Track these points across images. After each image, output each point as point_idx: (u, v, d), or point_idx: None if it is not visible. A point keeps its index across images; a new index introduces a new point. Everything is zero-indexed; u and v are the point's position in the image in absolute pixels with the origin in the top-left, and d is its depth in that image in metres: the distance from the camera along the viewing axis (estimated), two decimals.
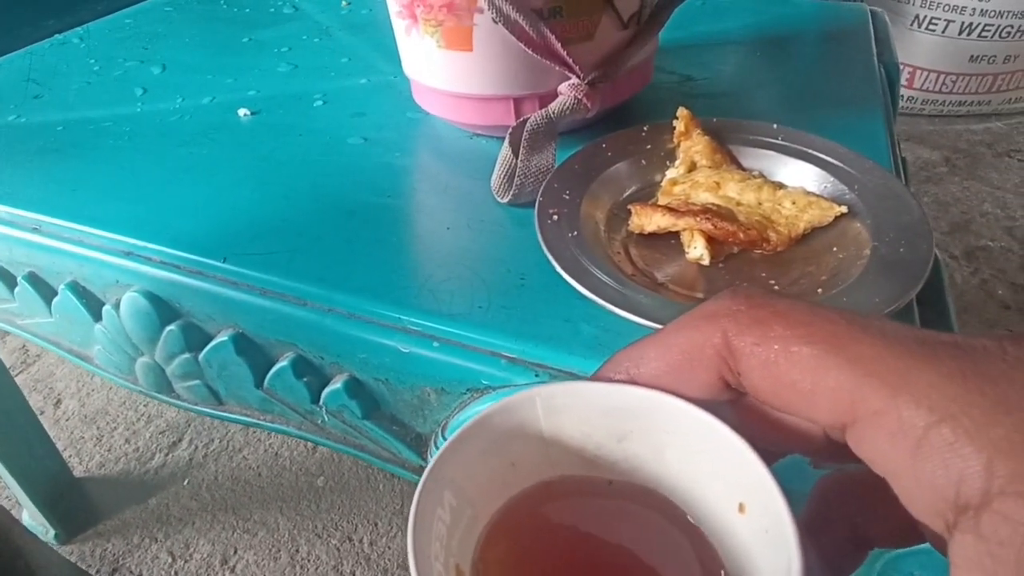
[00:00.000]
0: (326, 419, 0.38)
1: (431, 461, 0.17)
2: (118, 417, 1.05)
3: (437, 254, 0.39)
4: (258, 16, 0.77)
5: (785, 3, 0.73)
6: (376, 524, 0.92)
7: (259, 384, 0.39)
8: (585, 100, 0.42)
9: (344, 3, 0.79)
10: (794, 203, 0.36)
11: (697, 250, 0.34)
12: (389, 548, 0.89)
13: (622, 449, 0.18)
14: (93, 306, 0.43)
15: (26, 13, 1.34)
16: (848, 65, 0.57)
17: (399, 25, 0.47)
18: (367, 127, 0.53)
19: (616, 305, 0.30)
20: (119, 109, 0.57)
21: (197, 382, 0.41)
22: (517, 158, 0.41)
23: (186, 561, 0.88)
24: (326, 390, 0.37)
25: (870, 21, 0.65)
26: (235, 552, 0.89)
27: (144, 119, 0.55)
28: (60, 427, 1.02)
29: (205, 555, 0.88)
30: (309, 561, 0.88)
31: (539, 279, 0.36)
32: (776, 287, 0.33)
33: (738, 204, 0.36)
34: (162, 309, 0.40)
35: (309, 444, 1.02)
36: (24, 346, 1.17)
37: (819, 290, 0.31)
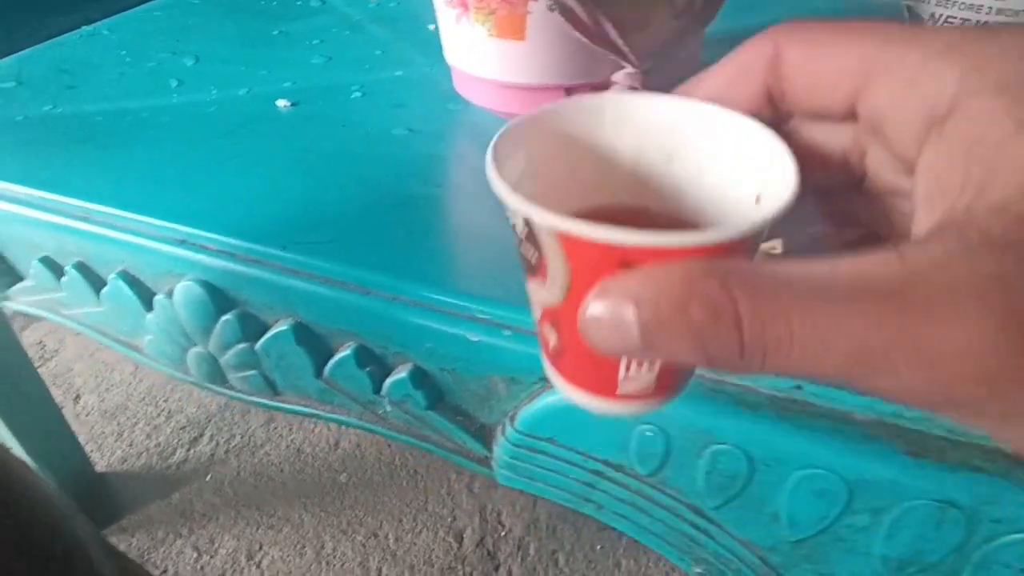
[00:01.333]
0: (388, 409, 0.38)
1: (509, 124, 0.20)
2: (138, 412, 1.04)
3: (496, 244, 0.38)
4: (285, 9, 0.77)
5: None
6: (400, 520, 0.92)
7: (318, 374, 0.39)
8: (640, 89, 0.41)
9: None
10: None
11: (769, 241, 0.34)
12: (415, 544, 0.89)
13: (670, 172, 0.21)
14: (144, 295, 0.42)
15: (30, 9, 1.33)
16: None
17: (447, 14, 0.46)
18: (409, 118, 0.52)
19: None
20: (155, 100, 0.56)
21: (253, 372, 0.41)
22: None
23: (211, 556, 0.87)
24: (389, 380, 0.37)
25: (906, 14, 0.65)
26: (260, 548, 0.89)
27: (181, 110, 0.55)
28: (80, 422, 1.02)
29: (230, 550, 0.88)
30: (335, 557, 0.88)
31: None
32: None
33: None
34: (218, 298, 0.39)
35: (331, 440, 1.02)
36: (41, 341, 1.16)
37: None
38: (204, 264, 0.39)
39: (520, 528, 0.90)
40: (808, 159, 0.17)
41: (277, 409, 0.42)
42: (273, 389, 0.41)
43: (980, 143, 0.13)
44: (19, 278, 0.48)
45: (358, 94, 0.56)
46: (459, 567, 0.86)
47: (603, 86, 0.43)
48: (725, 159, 0.20)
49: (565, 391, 0.22)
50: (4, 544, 0.29)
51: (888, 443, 0.27)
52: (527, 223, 0.17)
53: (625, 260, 0.16)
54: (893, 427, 0.27)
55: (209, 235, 0.39)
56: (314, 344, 0.38)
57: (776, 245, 0.34)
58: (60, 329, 1.19)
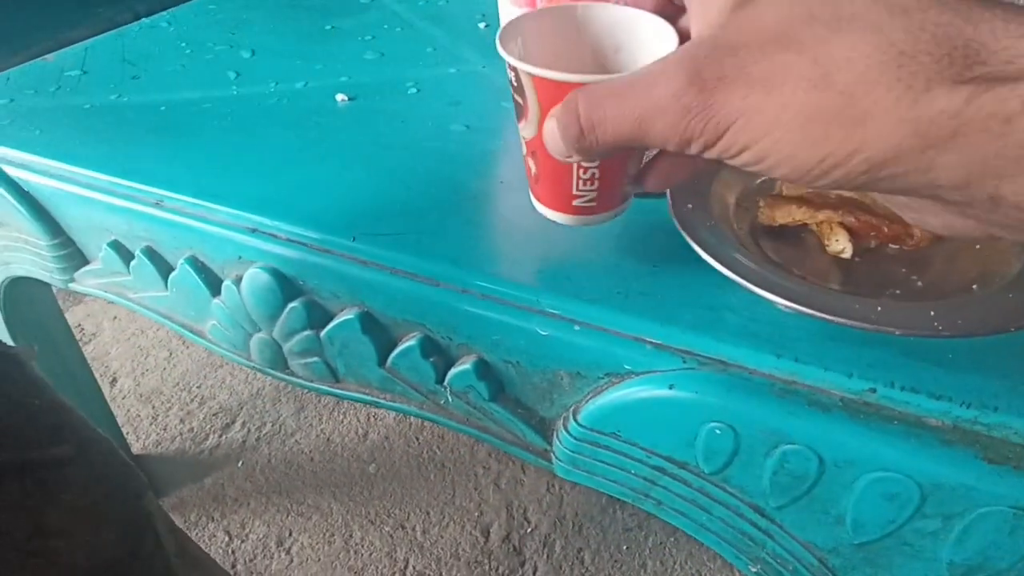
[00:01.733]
0: (450, 400, 0.39)
1: (511, 20, 0.31)
2: (172, 397, 1.06)
3: (564, 240, 0.39)
4: (335, 5, 0.78)
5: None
6: (428, 513, 0.93)
7: (382, 363, 0.39)
8: None
9: None
10: None
11: (839, 243, 0.34)
12: (441, 537, 0.90)
13: (616, 59, 0.33)
14: (212, 281, 0.44)
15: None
16: None
17: (513, 13, 0.47)
18: (466, 115, 0.53)
19: (773, 292, 0.30)
20: (216, 91, 0.58)
21: (316, 359, 0.42)
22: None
23: (242, 541, 0.89)
24: (452, 371, 0.38)
25: None
26: (290, 534, 0.90)
27: (242, 102, 0.56)
28: (117, 404, 1.04)
29: (261, 536, 0.90)
30: (363, 546, 0.89)
31: (672, 267, 0.36)
32: (919, 283, 0.33)
33: (874, 200, 0.36)
34: (285, 286, 0.40)
35: (360, 431, 1.03)
36: (80, 324, 1.19)
37: (974, 286, 0.31)
38: (273, 252, 0.40)
39: (546, 525, 0.91)
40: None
41: (337, 396, 0.43)
42: (335, 376, 0.42)
43: None
44: (86, 261, 0.50)
45: (414, 90, 0.57)
46: (485, 561, 0.87)
47: None
48: (646, 47, 0.31)
49: (541, 210, 0.34)
50: (96, 508, 0.30)
51: (965, 449, 0.27)
52: (517, 75, 0.29)
53: (568, 95, 0.26)
54: (971, 433, 0.27)
55: (280, 224, 0.40)
56: (379, 333, 0.39)
57: (847, 248, 0.35)
58: (98, 313, 1.22)
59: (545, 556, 0.88)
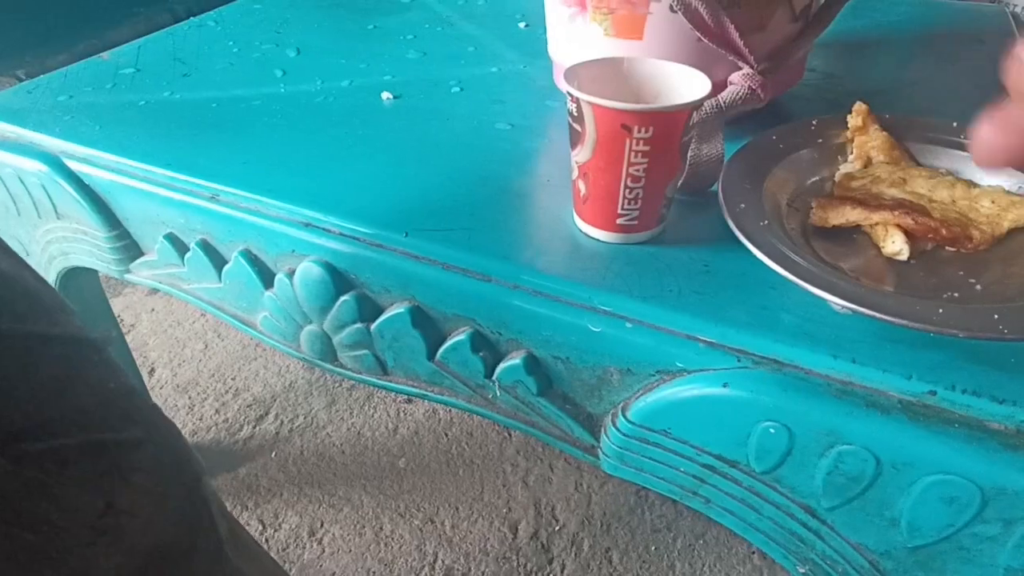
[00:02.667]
0: (498, 394, 0.39)
1: (569, 67, 0.37)
2: (208, 388, 1.09)
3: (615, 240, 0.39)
4: (377, 4, 0.79)
5: (914, 4, 0.71)
6: (457, 508, 0.93)
7: (431, 356, 0.40)
8: (759, 90, 0.42)
9: None
10: (994, 202, 0.35)
11: (896, 244, 0.34)
12: (470, 532, 0.91)
13: (658, 103, 0.37)
14: (265, 274, 0.45)
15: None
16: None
17: (562, 12, 0.47)
18: (510, 114, 0.54)
19: (831, 292, 0.30)
20: (264, 89, 0.59)
21: (365, 352, 0.43)
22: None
23: (276, 530, 0.91)
24: (501, 366, 0.38)
25: (1013, 23, 0.63)
26: (321, 525, 0.91)
27: (290, 99, 0.57)
28: (155, 394, 1.06)
29: (293, 526, 0.91)
30: (393, 539, 0.90)
31: (724, 266, 0.36)
32: (978, 287, 0.33)
33: (930, 201, 0.36)
34: (338, 280, 0.41)
35: (390, 425, 1.04)
36: (119, 315, 1.22)
37: None
38: (326, 247, 0.41)
39: (574, 524, 0.91)
40: None
41: (385, 388, 0.44)
42: (383, 369, 0.43)
43: None
44: (141, 253, 0.52)
45: (457, 89, 0.58)
46: (513, 557, 0.88)
47: (719, 87, 0.43)
48: (679, 92, 0.37)
49: (584, 228, 0.39)
50: (159, 489, 0.31)
51: None
52: (578, 105, 0.34)
53: (621, 122, 0.33)
54: None
55: (333, 219, 0.41)
56: (429, 327, 0.40)
57: (904, 249, 0.34)
58: (136, 305, 1.25)
59: (573, 554, 0.88)
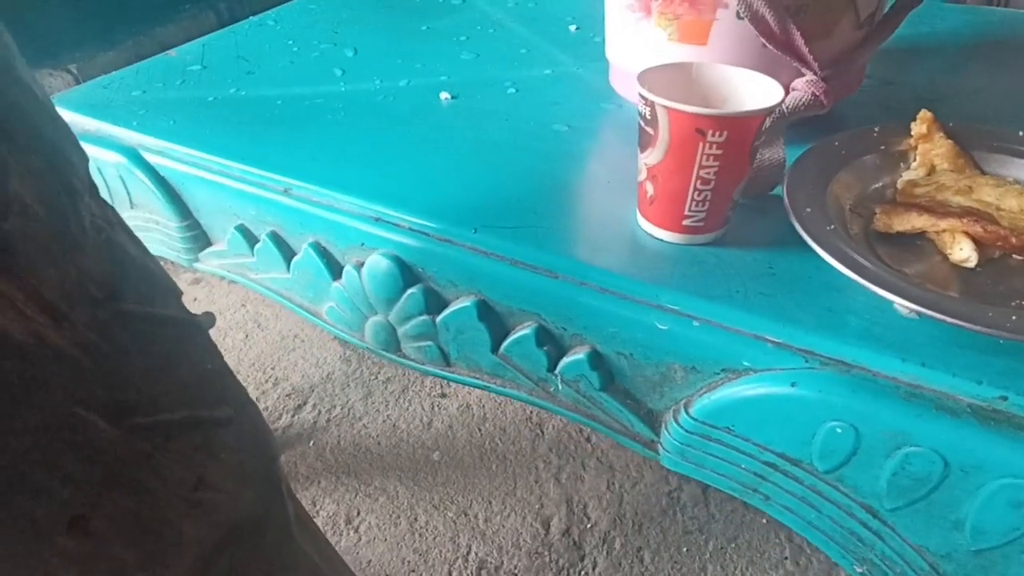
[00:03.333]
0: (560, 388, 0.40)
1: (643, 71, 0.38)
2: (248, 377, 1.12)
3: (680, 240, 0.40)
4: (430, 6, 0.81)
5: (970, 11, 0.71)
6: (490, 502, 0.95)
7: (495, 349, 0.41)
8: (822, 96, 0.42)
9: None
10: None
11: (964, 251, 0.35)
12: (503, 527, 0.92)
13: (725, 108, 0.39)
14: (333, 266, 0.46)
15: None
16: None
17: (626, 17, 0.48)
18: (566, 115, 0.55)
19: (901, 295, 0.31)
20: (325, 87, 0.61)
21: (429, 343, 0.44)
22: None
23: (314, 517, 0.93)
24: (564, 360, 0.39)
25: None
26: (358, 514, 0.94)
27: (351, 98, 0.59)
28: None
29: (331, 513, 0.93)
30: (427, 530, 0.92)
31: (789, 269, 0.37)
32: None
33: (998, 209, 0.36)
34: (405, 273, 0.43)
35: (424, 419, 1.06)
36: None
37: None
38: (396, 241, 0.43)
39: (606, 522, 0.92)
40: None
41: (447, 378, 0.45)
42: (446, 360, 0.44)
43: None
44: (210, 243, 0.54)
45: (512, 90, 0.59)
46: (546, 552, 0.89)
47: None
48: (750, 98, 0.38)
49: (649, 229, 0.40)
50: (243, 467, 0.33)
51: None
52: (652, 108, 0.35)
53: (696, 126, 0.34)
54: None
55: (403, 215, 0.43)
56: (494, 321, 0.41)
57: (972, 257, 0.35)
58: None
59: (605, 552, 0.89)
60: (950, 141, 0.41)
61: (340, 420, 1.06)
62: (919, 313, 0.31)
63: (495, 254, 0.40)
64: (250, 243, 0.50)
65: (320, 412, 1.07)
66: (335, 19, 0.77)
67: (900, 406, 0.30)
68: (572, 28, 0.73)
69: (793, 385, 0.32)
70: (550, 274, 0.38)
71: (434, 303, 0.43)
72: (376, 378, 1.10)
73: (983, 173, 0.40)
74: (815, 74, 0.43)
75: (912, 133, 0.42)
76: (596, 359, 0.39)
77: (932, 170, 0.40)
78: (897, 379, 0.31)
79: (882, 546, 0.34)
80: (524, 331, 0.40)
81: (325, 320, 0.49)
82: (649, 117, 0.36)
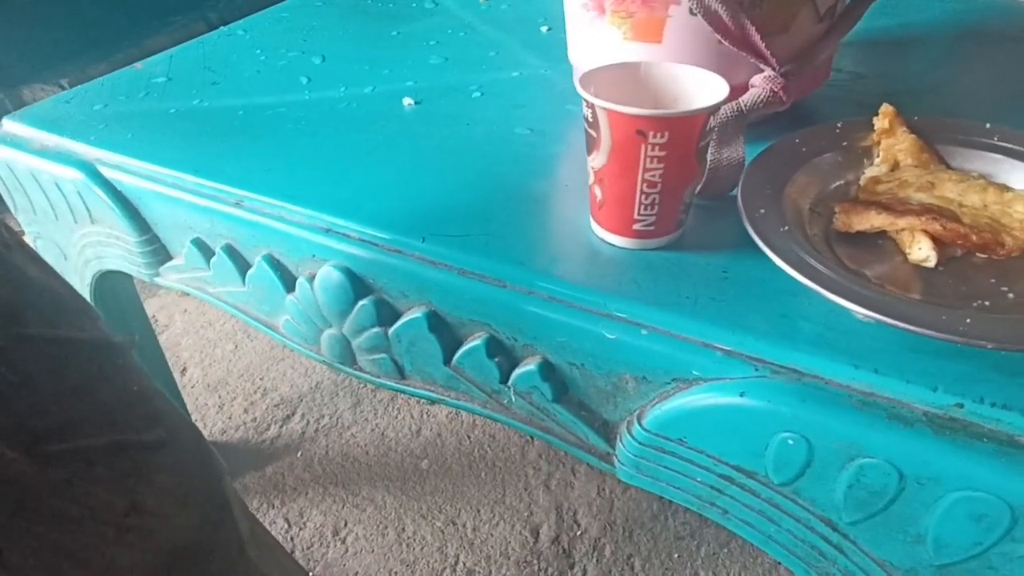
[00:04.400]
0: (513, 400, 0.39)
1: (585, 71, 0.37)
2: (237, 388, 1.11)
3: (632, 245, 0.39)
4: (402, 10, 0.80)
5: (946, 0, 0.69)
6: (479, 511, 0.94)
7: (447, 361, 0.40)
8: (781, 92, 0.41)
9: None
10: None
11: (923, 251, 0.33)
12: (492, 535, 0.91)
13: (676, 107, 0.37)
14: (287, 278, 0.45)
15: (154, 9, 1.43)
16: None
17: (581, 16, 0.47)
18: (530, 119, 0.54)
19: (853, 301, 0.29)
20: (289, 96, 0.60)
21: (383, 356, 0.43)
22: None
23: (301, 529, 0.92)
24: (517, 371, 0.38)
25: None
26: (345, 525, 0.93)
27: (314, 106, 0.58)
28: (186, 393, 1.09)
29: (318, 525, 0.93)
30: (415, 540, 0.91)
31: (743, 273, 0.35)
32: (1010, 295, 0.32)
33: (960, 206, 0.35)
34: (356, 284, 0.42)
35: (413, 427, 1.05)
36: (154, 316, 1.25)
37: None
38: (346, 252, 0.42)
39: (596, 529, 0.91)
40: None
41: (403, 392, 0.44)
42: (400, 373, 0.43)
43: None
44: (170, 257, 0.53)
45: (478, 94, 0.58)
46: (535, 561, 0.87)
47: (737, 90, 0.43)
48: (699, 96, 0.36)
49: (601, 234, 0.38)
50: (182, 490, 0.32)
51: None
52: (593, 111, 0.34)
53: (636, 127, 0.33)
54: None
55: (352, 225, 0.42)
56: (445, 332, 0.40)
57: (931, 256, 0.33)
58: (170, 306, 1.28)
59: (595, 560, 0.88)
60: (913, 136, 0.39)
61: (328, 430, 1.05)
62: (871, 318, 0.29)
63: (443, 263, 0.39)
64: (206, 257, 0.49)
65: (308, 422, 1.06)
66: (306, 27, 0.76)
67: (852, 416, 0.29)
68: (544, 29, 0.72)
69: (742, 395, 0.31)
70: (499, 283, 0.37)
71: (386, 315, 0.42)
72: (365, 386, 1.09)
73: (949, 168, 0.39)
74: (773, 70, 0.41)
75: (875, 128, 0.41)
76: (548, 370, 0.37)
77: (896, 166, 0.39)
78: (850, 387, 0.30)
79: (845, 560, 0.33)
80: (475, 342, 0.39)
81: (282, 334, 0.48)
82: (592, 119, 0.34)
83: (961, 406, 0.28)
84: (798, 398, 0.30)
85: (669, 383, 0.34)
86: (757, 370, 0.31)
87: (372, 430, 1.05)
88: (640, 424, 0.35)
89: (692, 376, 0.33)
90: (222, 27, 0.77)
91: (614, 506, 0.92)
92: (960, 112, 0.49)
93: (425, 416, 1.06)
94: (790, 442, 0.30)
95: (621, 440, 0.37)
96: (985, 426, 0.27)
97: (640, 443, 0.35)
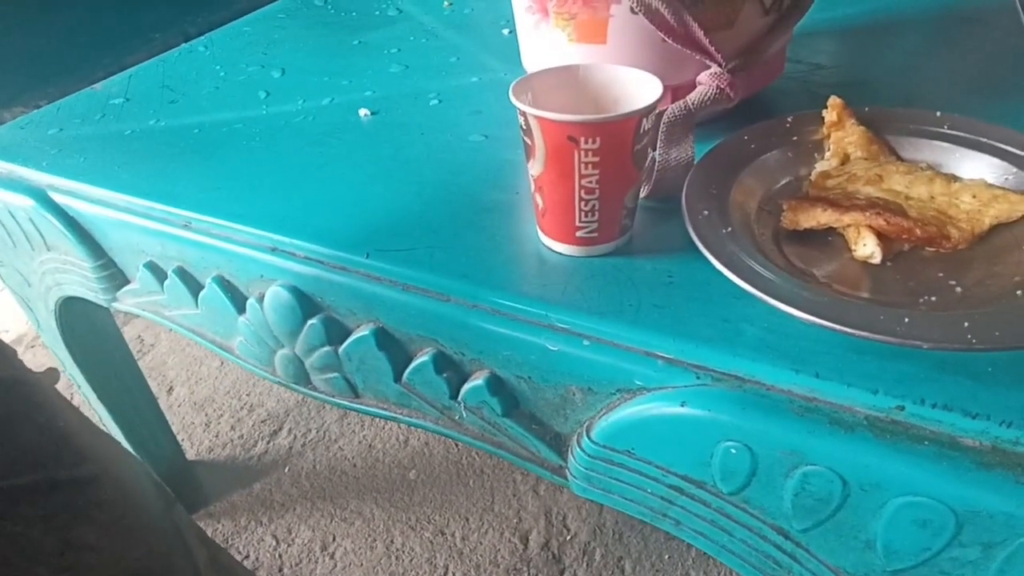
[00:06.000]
0: (464, 415, 0.38)
1: (522, 77, 0.36)
2: (224, 405, 1.11)
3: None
4: (365, 19, 0.79)
5: None
6: (467, 519, 0.93)
7: (398, 378, 0.40)
8: (728, 89, 0.40)
9: (446, 4, 0.80)
10: (975, 197, 0.33)
11: (867, 247, 0.32)
12: (481, 544, 0.90)
13: (617, 109, 0.35)
14: (237, 299, 0.45)
15: (135, 25, 1.43)
16: (1001, 48, 0.53)
17: (526, 20, 0.46)
18: (485, 124, 0.53)
19: (790, 305, 0.28)
20: (247, 111, 0.60)
21: (336, 375, 0.42)
22: (655, 151, 0.39)
23: (289, 545, 0.91)
24: (465, 386, 0.37)
25: (1017, 3, 0.60)
26: (333, 539, 0.92)
27: (271, 120, 0.58)
28: (172, 413, 1.09)
29: (306, 540, 0.92)
30: (404, 552, 0.90)
31: (689, 277, 0.34)
32: (958, 289, 0.31)
33: (907, 199, 0.34)
34: (304, 303, 0.41)
35: (401, 438, 1.04)
36: (140, 336, 1.25)
37: (1018, 292, 0.29)
38: (292, 270, 0.41)
39: (586, 533, 0.90)
40: None
41: (357, 411, 0.43)
42: (354, 391, 0.43)
43: None
44: (127, 281, 0.52)
45: (435, 101, 0.58)
46: (524, 568, 0.87)
47: (686, 88, 0.42)
48: (637, 98, 0.35)
49: (547, 242, 0.38)
50: (124, 523, 0.31)
51: (1005, 472, 0.25)
52: (526, 119, 0.33)
53: (567, 134, 0.32)
54: (1011, 455, 0.25)
55: (297, 242, 0.41)
56: (394, 349, 0.39)
57: (875, 253, 0.33)
58: (156, 326, 1.28)
59: (585, 564, 0.87)
60: (862, 128, 0.38)
61: (316, 444, 1.04)
62: (810, 322, 0.28)
63: (388, 279, 0.38)
64: (160, 280, 0.48)
65: (296, 436, 1.06)
66: (267, 40, 0.75)
67: (793, 423, 0.28)
68: (505, 32, 0.71)
69: (683, 404, 0.30)
70: (443, 297, 0.37)
71: (336, 333, 0.41)
72: None
73: (899, 159, 0.38)
74: (720, 66, 0.40)
75: (824, 121, 0.40)
76: (496, 384, 0.37)
77: (846, 159, 0.38)
78: (791, 392, 0.29)
79: (799, 568, 0.32)
80: (423, 358, 0.38)
81: (238, 355, 0.47)
82: (525, 127, 0.34)
83: (902, 408, 0.27)
84: (739, 406, 0.29)
85: (614, 393, 0.33)
86: (699, 378, 0.30)
87: (360, 442, 1.04)
88: (589, 436, 0.34)
89: (635, 386, 0.32)
90: (184, 44, 0.76)
91: (603, 509, 0.91)
92: (918, 99, 0.48)
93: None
94: (733, 451, 0.29)
95: (572, 453, 0.36)
96: (927, 428, 0.26)
97: (590, 456, 0.34)
